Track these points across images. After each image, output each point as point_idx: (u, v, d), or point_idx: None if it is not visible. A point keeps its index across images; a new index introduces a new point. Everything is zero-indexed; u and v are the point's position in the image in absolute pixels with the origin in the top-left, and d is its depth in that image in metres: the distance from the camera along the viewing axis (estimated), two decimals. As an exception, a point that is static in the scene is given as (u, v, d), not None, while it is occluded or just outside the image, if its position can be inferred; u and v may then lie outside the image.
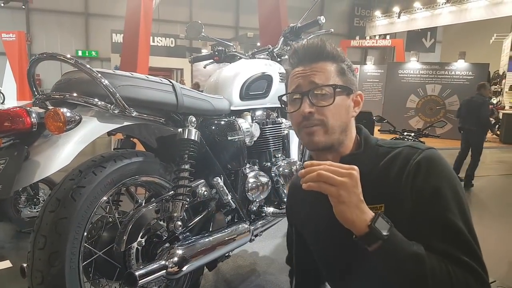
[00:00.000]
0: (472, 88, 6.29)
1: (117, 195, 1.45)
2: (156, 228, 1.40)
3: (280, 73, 2.03)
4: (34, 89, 1.29)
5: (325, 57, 0.92)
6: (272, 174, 1.96)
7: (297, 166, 2.00)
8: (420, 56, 13.67)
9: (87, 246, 1.24)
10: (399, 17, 17.88)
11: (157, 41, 16.54)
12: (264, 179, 1.87)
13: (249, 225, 1.76)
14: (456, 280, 0.74)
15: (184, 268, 1.34)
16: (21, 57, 15.23)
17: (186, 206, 1.42)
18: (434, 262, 0.74)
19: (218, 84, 1.88)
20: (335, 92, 0.89)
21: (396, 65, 12.20)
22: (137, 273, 1.18)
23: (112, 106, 1.21)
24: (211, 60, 2.29)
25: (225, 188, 1.63)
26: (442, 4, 15.75)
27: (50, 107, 1.13)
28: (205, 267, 1.64)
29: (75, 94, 1.20)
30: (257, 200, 1.87)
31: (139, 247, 1.32)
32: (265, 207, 1.93)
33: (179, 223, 1.36)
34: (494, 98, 12.14)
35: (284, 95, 0.98)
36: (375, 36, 20.15)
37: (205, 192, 1.55)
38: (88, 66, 1.20)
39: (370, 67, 14.17)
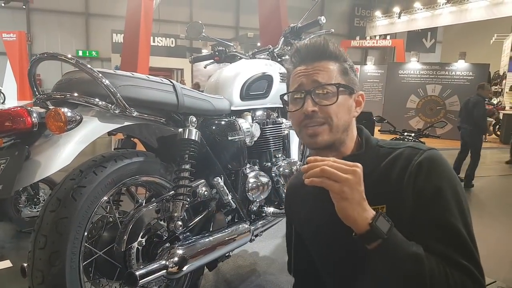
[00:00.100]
0: (472, 89, 6.30)
1: (117, 195, 1.45)
2: (156, 228, 1.40)
3: (280, 73, 2.03)
4: (35, 89, 1.29)
5: (328, 56, 0.91)
6: (273, 174, 1.96)
7: (297, 166, 2.00)
8: (421, 57, 13.68)
9: (87, 246, 1.24)
10: (399, 18, 17.87)
11: (158, 41, 16.54)
12: (264, 179, 1.87)
13: (249, 225, 1.76)
14: (453, 282, 0.74)
15: (185, 268, 1.34)
16: (22, 57, 15.22)
17: (187, 206, 1.42)
18: (433, 263, 0.74)
19: (218, 84, 1.89)
20: (338, 91, 0.89)
21: (397, 65, 12.20)
22: (137, 273, 1.18)
23: (113, 106, 1.21)
24: (212, 60, 2.30)
25: (225, 188, 1.63)
26: (442, 5, 15.74)
27: (51, 107, 1.13)
28: (205, 267, 1.64)
29: (76, 94, 1.21)
30: (258, 200, 1.87)
31: (139, 247, 1.33)
32: (265, 207, 1.93)
33: (180, 223, 1.36)
34: (495, 99, 12.13)
35: (286, 93, 0.97)
36: (375, 36, 20.14)
37: (206, 192, 1.55)
38: (89, 66, 1.20)
39: (370, 67, 14.17)
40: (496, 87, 13.10)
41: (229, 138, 1.67)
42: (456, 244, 0.77)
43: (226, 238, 1.60)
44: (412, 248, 0.75)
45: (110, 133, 1.36)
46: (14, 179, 1.04)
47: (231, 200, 1.65)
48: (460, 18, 15.22)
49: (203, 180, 1.56)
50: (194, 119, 1.51)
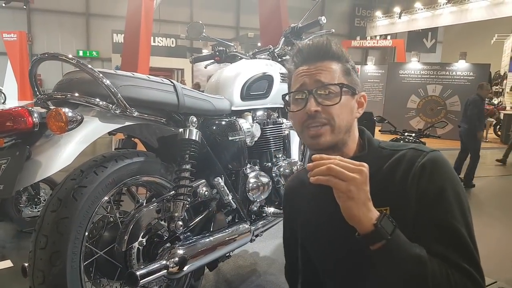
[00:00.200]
0: (473, 89, 6.29)
1: (118, 195, 1.45)
2: (157, 228, 1.40)
3: (281, 73, 2.03)
4: (36, 89, 1.29)
5: (330, 56, 0.90)
6: (273, 174, 1.96)
7: (298, 166, 2.00)
8: (421, 57, 13.67)
9: (88, 246, 1.24)
10: (400, 18, 17.86)
11: (158, 41, 16.54)
12: (264, 179, 1.87)
13: (249, 225, 1.76)
14: (454, 283, 0.74)
15: (185, 268, 1.34)
16: (22, 57, 15.24)
17: (187, 206, 1.42)
18: (435, 264, 0.74)
19: (219, 84, 1.89)
20: (341, 91, 0.88)
21: (397, 65, 12.19)
22: (138, 273, 1.18)
23: (113, 106, 1.22)
24: (212, 60, 2.30)
25: (226, 188, 1.63)
26: (443, 5, 15.73)
27: (52, 107, 1.13)
28: (206, 267, 1.64)
29: (76, 94, 1.21)
30: (258, 200, 1.87)
31: (140, 247, 1.33)
32: (265, 207, 1.93)
33: (180, 223, 1.36)
34: (495, 99, 12.12)
35: (289, 93, 0.95)
36: (376, 36, 20.14)
37: (206, 192, 1.55)
38: (89, 66, 1.20)
39: (371, 68, 14.16)
40: (496, 87, 13.09)
41: (230, 138, 1.67)
42: (457, 245, 0.77)
43: (227, 238, 1.60)
44: (415, 250, 0.75)
45: (110, 133, 1.36)
46: (15, 179, 1.04)
47: (231, 200, 1.65)
48: (461, 18, 15.21)
49: (203, 180, 1.56)
50: (195, 119, 1.51)
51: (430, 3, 16.70)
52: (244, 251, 2.53)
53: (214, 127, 1.67)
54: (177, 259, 1.31)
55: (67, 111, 1.09)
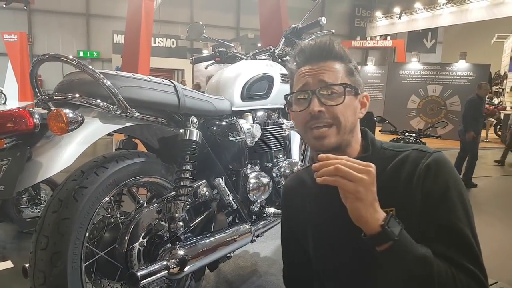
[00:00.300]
0: (473, 89, 6.28)
1: (119, 196, 1.45)
2: (157, 229, 1.40)
3: (281, 74, 2.03)
4: (37, 90, 1.29)
5: (333, 56, 0.89)
6: (273, 175, 1.96)
7: (298, 167, 2.00)
8: (421, 57, 13.69)
9: (89, 247, 1.24)
10: (400, 18, 17.87)
11: (158, 42, 16.57)
12: (265, 180, 1.87)
13: (250, 225, 1.76)
14: (460, 284, 0.74)
15: (186, 269, 1.34)
16: (23, 58, 15.24)
17: (188, 206, 1.42)
18: (441, 265, 0.74)
19: (219, 84, 1.89)
20: (345, 91, 0.87)
21: (397, 65, 12.19)
22: (139, 274, 1.18)
23: (114, 107, 1.22)
24: (213, 61, 2.30)
25: (226, 188, 1.63)
26: (443, 5, 15.74)
27: (53, 108, 1.14)
28: (206, 267, 1.64)
29: (77, 95, 1.21)
30: (259, 201, 1.87)
31: (140, 248, 1.33)
32: (266, 208, 1.93)
33: (181, 223, 1.37)
34: (496, 99, 12.12)
35: (291, 93, 0.94)
36: (376, 36, 20.14)
37: (207, 193, 1.55)
38: (90, 67, 1.20)
39: (371, 68, 14.16)
40: (496, 87, 13.09)
41: (230, 138, 1.67)
42: (462, 246, 0.77)
43: (227, 239, 1.60)
44: (421, 250, 0.75)
45: (111, 134, 1.36)
46: (15, 180, 1.04)
47: (232, 201, 1.65)
48: (461, 18, 15.22)
49: (204, 181, 1.56)
50: (195, 119, 1.51)
51: (430, 3, 16.70)
52: (245, 252, 2.53)
53: (215, 128, 1.67)
54: (177, 259, 1.31)
55: (68, 112, 1.09)
